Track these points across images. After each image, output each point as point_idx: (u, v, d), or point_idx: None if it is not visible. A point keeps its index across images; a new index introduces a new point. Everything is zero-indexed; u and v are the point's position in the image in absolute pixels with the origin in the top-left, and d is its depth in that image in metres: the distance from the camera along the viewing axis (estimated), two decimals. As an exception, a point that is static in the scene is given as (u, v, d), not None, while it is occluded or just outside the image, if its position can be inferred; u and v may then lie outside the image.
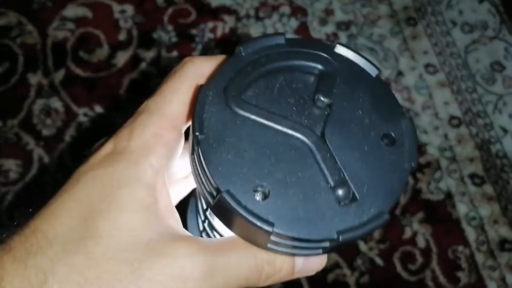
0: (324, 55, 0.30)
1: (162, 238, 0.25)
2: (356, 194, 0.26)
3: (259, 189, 0.26)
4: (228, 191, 0.25)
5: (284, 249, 0.27)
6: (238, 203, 0.25)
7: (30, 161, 0.89)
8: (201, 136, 0.27)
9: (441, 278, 0.87)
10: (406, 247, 0.89)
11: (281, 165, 0.27)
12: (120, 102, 0.95)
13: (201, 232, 0.44)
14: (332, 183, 0.26)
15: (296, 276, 0.29)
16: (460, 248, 0.90)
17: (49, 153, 0.90)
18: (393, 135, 0.28)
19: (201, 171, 0.27)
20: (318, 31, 1.07)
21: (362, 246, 0.88)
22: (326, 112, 0.28)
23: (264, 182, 0.26)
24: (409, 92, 1.04)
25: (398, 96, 1.01)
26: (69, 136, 0.91)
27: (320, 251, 0.27)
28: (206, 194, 0.28)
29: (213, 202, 0.27)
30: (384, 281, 0.86)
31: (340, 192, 0.26)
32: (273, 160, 0.27)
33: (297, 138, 0.27)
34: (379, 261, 0.87)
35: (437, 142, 0.99)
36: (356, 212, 0.26)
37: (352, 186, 0.26)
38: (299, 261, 0.29)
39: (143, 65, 0.99)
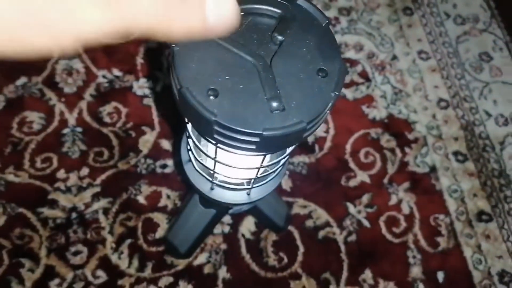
0: (286, 3, 0.39)
1: None
2: (285, 106, 0.35)
3: (210, 91, 0.35)
4: (187, 88, 0.34)
5: (226, 140, 0.35)
6: (193, 96, 0.34)
7: (52, 114, 0.96)
8: (176, 48, 0.36)
9: (422, 242, 0.95)
10: (391, 212, 0.97)
11: (232, 78, 0.36)
12: (136, 67, 1.03)
13: (188, 151, 0.54)
14: (268, 96, 0.35)
15: (209, 32, 0.25)
16: (441, 216, 0.98)
17: (70, 108, 0.97)
18: (326, 70, 0.37)
19: (172, 73, 0.36)
20: (321, 15, 1.16)
21: (352, 209, 0.96)
22: (277, 47, 0.37)
23: (216, 87, 0.35)
24: (402, 75, 1.12)
25: (391, 78, 1.09)
26: (88, 94, 0.99)
27: (253, 146, 0.35)
28: (175, 91, 0.37)
29: (177, 96, 0.36)
30: (369, 241, 0.94)
31: (273, 103, 0.35)
32: (227, 73, 0.36)
33: (249, 61, 0.37)
34: (366, 223, 0.96)
35: (425, 121, 1.07)
36: (282, 118, 0.35)
37: (283, 100, 0.35)
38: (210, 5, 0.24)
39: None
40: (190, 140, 0.49)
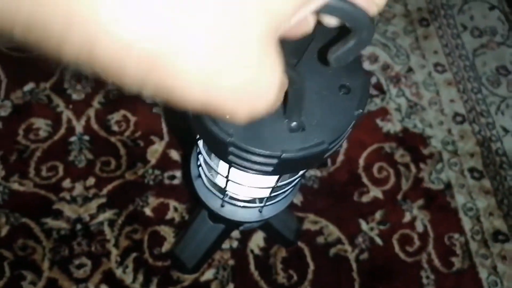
0: None
1: None
2: (306, 126, 0.32)
3: None
4: None
5: (241, 161, 0.33)
6: (208, 116, 0.31)
7: (59, 122, 0.94)
8: None
9: (436, 262, 0.92)
10: (405, 230, 0.94)
11: None
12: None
13: (198, 166, 0.52)
14: (287, 114, 0.32)
15: None
16: (456, 235, 0.95)
17: (77, 116, 0.95)
18: (349, 86, 0.34)
19: None
20: (335, 25, 1.13)
21: (364, 226, 0.93)
22: (297, 61, 0.35)
23: None
24: (417, 87, 1.09)
25: (406, 91, 1.06)
26: (97, 102, 0.97)
27: (270, 168, 0.33)
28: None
29: (191, 114, 0.34)
30: (382, 259, 0.91)
31: (292, 122, 0.32)
32: None
33: None
34: (378, 240, 0.92)
35: (441, 136, 1.04)
36: (302, 139, 0.32)
37: (303, 119, 0.32)
38: None
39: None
40: (200, 156, 0.47)
